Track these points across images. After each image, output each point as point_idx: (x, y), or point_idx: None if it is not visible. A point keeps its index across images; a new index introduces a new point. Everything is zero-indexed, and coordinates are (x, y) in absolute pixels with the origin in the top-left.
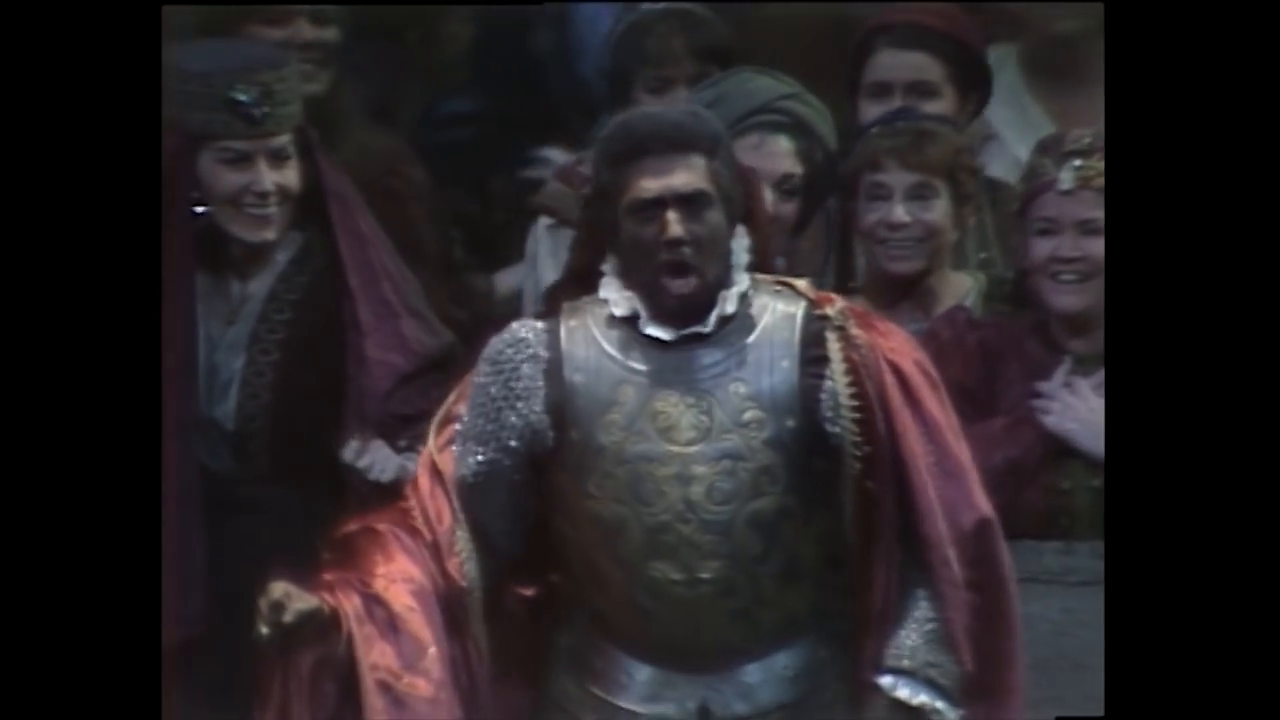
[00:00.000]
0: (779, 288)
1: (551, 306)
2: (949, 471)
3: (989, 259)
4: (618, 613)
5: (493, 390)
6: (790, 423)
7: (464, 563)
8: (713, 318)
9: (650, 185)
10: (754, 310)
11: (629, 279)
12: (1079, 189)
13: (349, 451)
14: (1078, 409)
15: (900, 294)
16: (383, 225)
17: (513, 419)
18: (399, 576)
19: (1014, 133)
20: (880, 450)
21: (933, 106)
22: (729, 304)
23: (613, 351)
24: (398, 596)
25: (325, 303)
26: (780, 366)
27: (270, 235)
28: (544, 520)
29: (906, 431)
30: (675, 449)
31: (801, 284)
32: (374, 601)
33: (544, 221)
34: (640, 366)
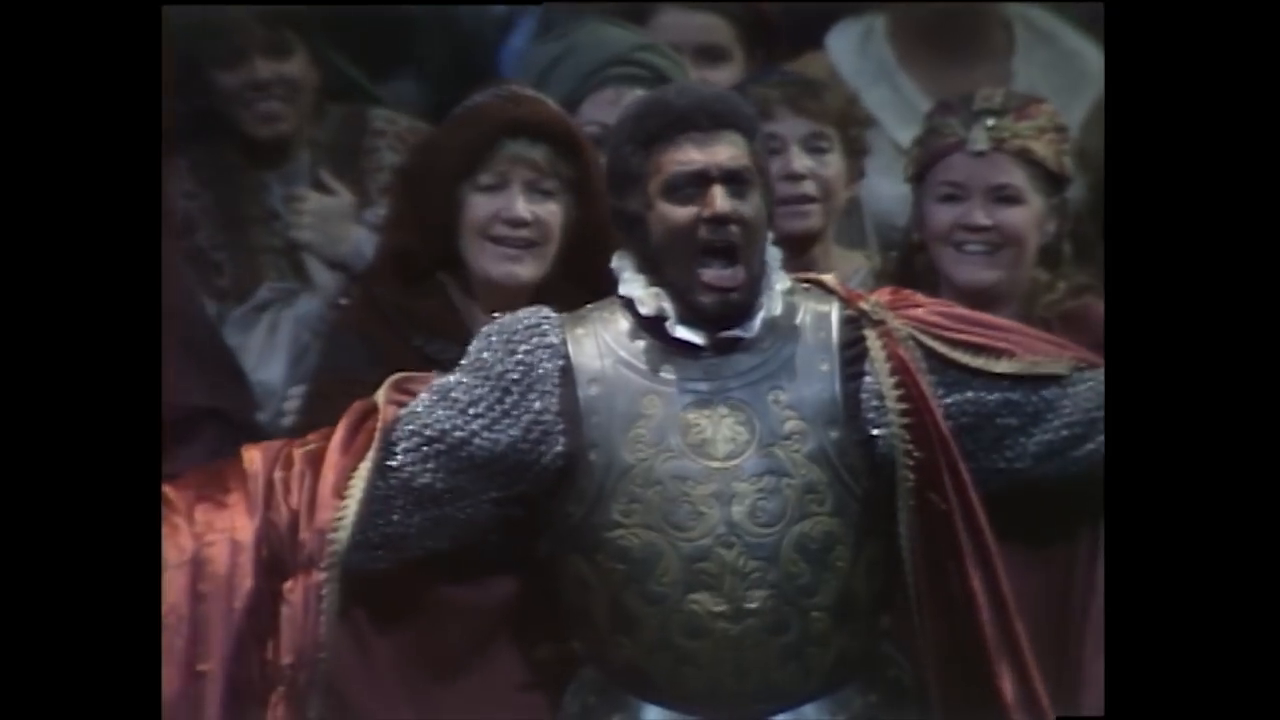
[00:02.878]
0: (806, 285)
1: (365, 295)
2: None
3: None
4: (648, 661)
5: (501, 369)
6: (834, 434)
7: (348, 497)
8: (757, 321)
9: (695, 157)
10: (788, 310)
11: (657, 273)
12: (992, 150)
13: None
14: None
15: (786, 257)
16: None
17: (521, 412)
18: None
19: (890, 113)
20: (936, 457)
21: (722, 71)
22: (774, 304)
23: (633, 359)
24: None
25: None
26: (820, 371)
27: None
28: (548, 569)
29: None
30: (714, 465)
31: (830, 279)
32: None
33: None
34: (667, 375)
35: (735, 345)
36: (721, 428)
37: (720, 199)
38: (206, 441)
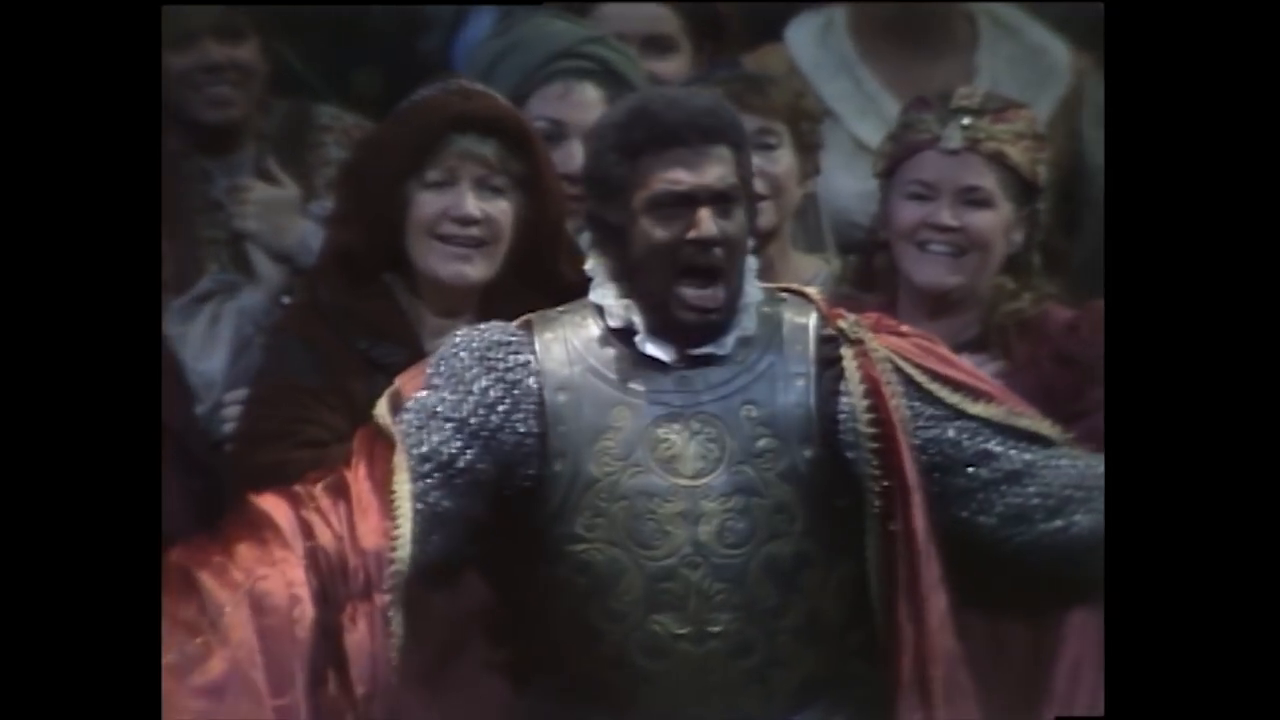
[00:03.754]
0: (784, 295)
1: (308, 297)
2: None
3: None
4: (607, 676)
5: (481, 389)
6: (807, 452)
7: (399, 519)
8: (730, 339)
9: (682, 178)
10: (763, 322)
11: (632, 285)
12: (966, 150)
13: None
14: None
15: None
16: None
17: (507, 434)
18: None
19: (850, 107)
20: (903, 483)
21: (669, 63)
22: (748, 321)
23: (603, 368)
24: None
25: None
26: (795, 386)
27: None
28: (519, 569)
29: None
30: (681, 482)
31: (812, 292)
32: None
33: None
34: (637, 386)
35: (706, 357)
36: (692, 444)
37: (707, 223)
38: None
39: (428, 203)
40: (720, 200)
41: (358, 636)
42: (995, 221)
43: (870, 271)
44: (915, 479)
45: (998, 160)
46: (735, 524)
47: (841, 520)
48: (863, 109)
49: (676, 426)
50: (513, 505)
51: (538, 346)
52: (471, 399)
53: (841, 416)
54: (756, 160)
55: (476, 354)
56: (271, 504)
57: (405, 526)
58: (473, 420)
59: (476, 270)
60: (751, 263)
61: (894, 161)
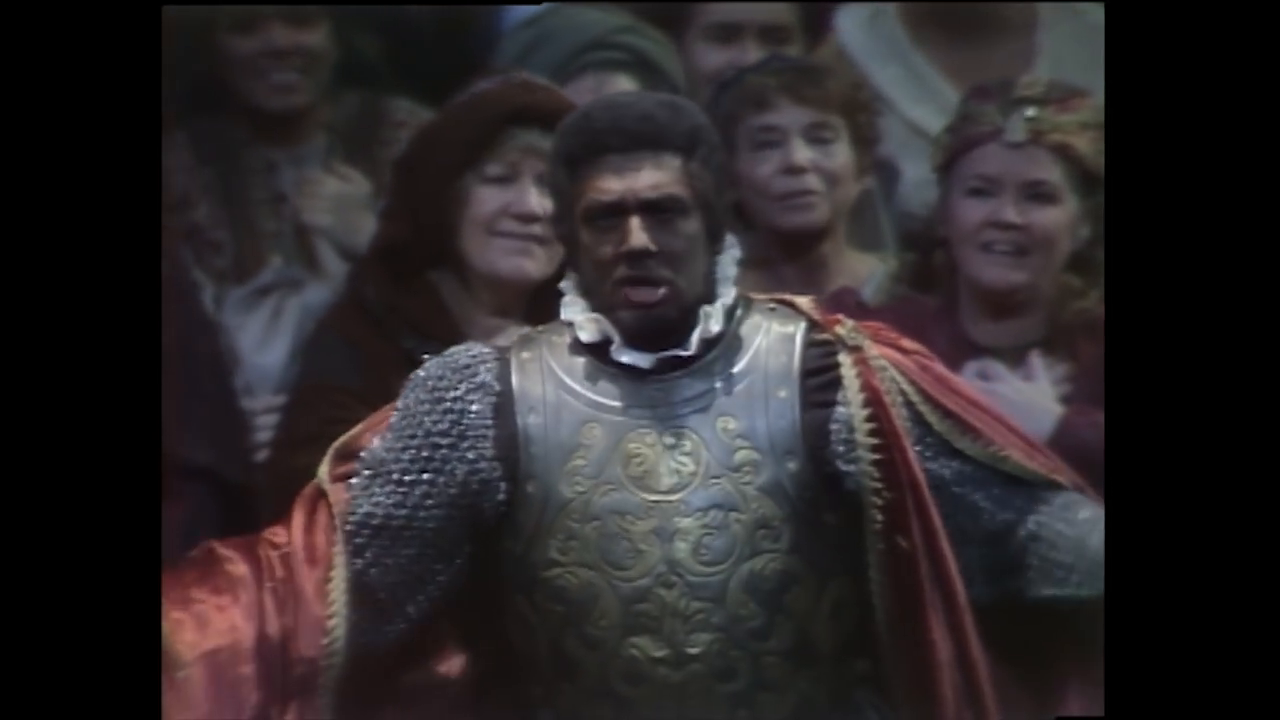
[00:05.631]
0: (774, 305)
1: (352, 296)
2: None
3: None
4: (588, 708)
5: (431, 423)
6: (791, 465)
7: (333, 616)
8: (694, 339)
9: (611, 187)
10: (744, 332)
11: (592, 299)
12: (1030, 143)
13: None
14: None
15: (791, 256)
16: None
17: (455, 465)
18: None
19: (902, 93)
20: (905, 497)
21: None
22: (713, 321)
23: (575, 385)
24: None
25: None
26: (777, 397)
27: None
28: (500, 606)
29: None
30: (653, 498)
31: (803, 301)
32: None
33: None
34: (610, 401)
35: (680, 368)
36: (665, 458)
37: (636, 233)
38: (192, 502)
39: (488, 198)
40: (654, 210)
41: None
42: (1060, 217)
43: (929, 270)
44: (928, 492)
45: (1062, 152)
46: (712, 540)
47: (832, 537)
48: (917, 95)
49: (649, 440)
50: (490, 539)
51: (513, 367)
52: (415, 441)
53: (834, 428)
54: (811, 154)
55: (429, 386)
56: (236, 563)
57: (339, 627)
58: (416, 465)
59: (537, 266)
60: (729, 261)
61: (953, 155)
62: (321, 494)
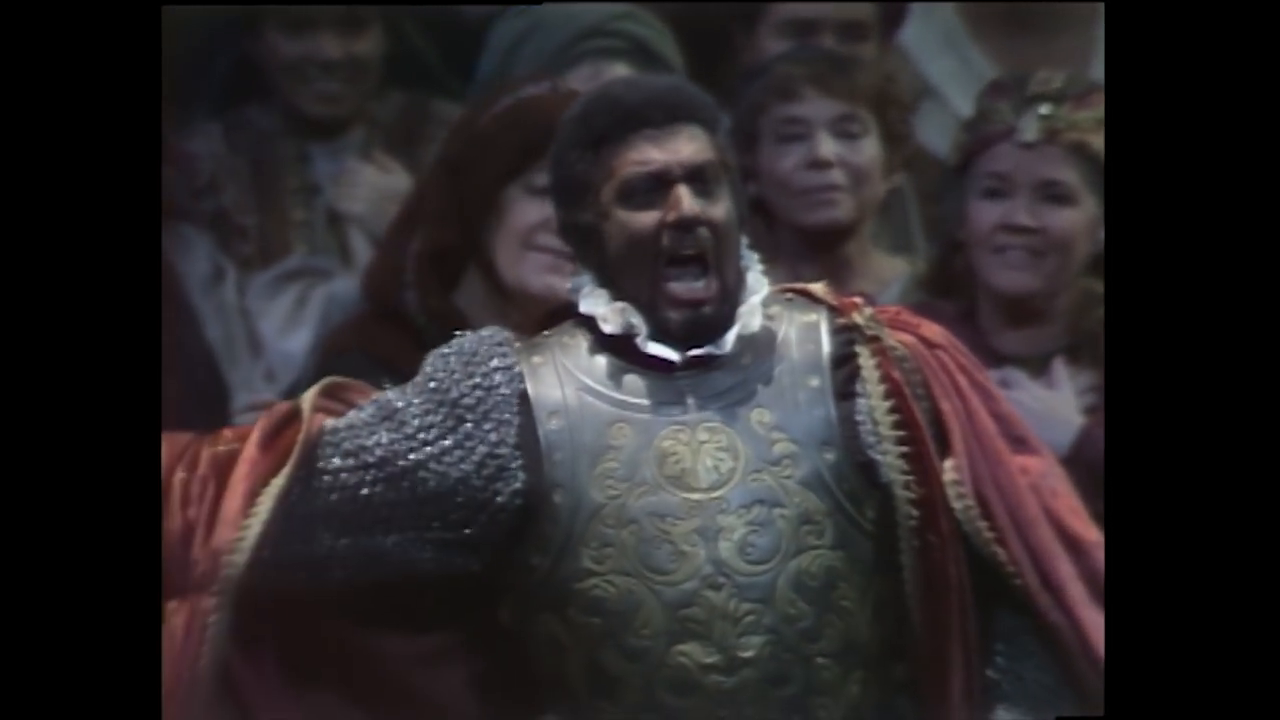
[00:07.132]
0: (790, 296)
1: (393, 289)
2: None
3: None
4: None
5: (459, 393)
6: (829, 456)
7: (251, 517)
8: (731, 337)
9: (653, 157)
10: (769, 323)
11: (620, 289)
12: (1043, 143)
13: None
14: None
15: (812, 255)
16: None
17: (477, 443)
18: None
19: (956, 86)
20: (932, 493)
21: (861, 49)
22: (752, 318)
23: (598, 385)
24: None
25: None
26: (809, 387)
27: None
28: (517, 634)
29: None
30: (695, 497)
31: (818, 288)
32: None
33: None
34: (638, 399)
35: (710, 363)
36: (702, 455)
37: (687, 200)
38: None
39: (529, 210)
40: (698, 177)
41: (171, 634)
42: (1077, 219)
43: (948, 275)
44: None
45: (1079, 152)
46: (757, 538)
47: (872, 532)
48: (970, 90)
49: (684, 438)
50: (505, 550)
51: (525, 374)
52: (443, 409)
53: (859, 419)
54: (837, 148)
55: (463, 359)
56: (167, 455)
57: (254, 528)
58: (435, 429)
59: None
60: (753, 256)
61: (968, 154)
62: (296, 415)
